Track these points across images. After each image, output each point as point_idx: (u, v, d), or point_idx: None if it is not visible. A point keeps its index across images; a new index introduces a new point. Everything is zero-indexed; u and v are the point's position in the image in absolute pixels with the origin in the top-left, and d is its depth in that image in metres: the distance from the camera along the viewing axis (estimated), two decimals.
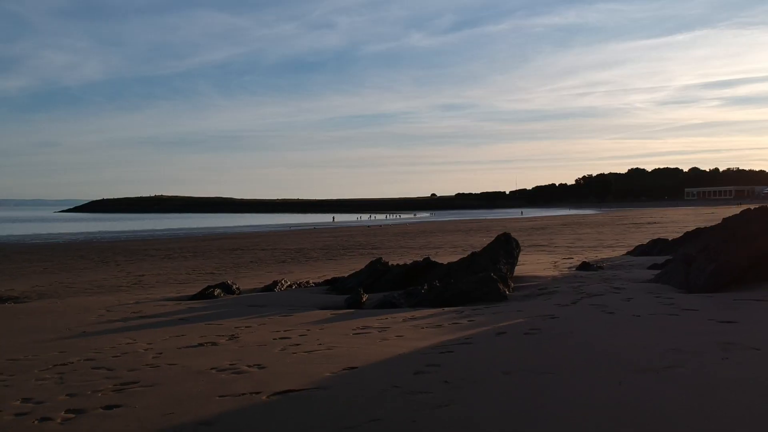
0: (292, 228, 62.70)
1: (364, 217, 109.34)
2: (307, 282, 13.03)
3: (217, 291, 11.43)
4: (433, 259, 12.50)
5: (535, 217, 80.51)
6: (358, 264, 20.40)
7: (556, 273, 12.46)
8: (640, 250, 16.74)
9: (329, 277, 13.76)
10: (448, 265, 11.67)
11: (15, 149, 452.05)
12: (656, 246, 16.37)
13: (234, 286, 11.89)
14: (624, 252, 19.91)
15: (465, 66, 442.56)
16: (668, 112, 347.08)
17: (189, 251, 30.38)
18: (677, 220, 49.68)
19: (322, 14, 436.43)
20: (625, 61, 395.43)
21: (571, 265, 15.08)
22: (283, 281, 12.53)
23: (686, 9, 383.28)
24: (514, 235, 12.18)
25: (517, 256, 11.71)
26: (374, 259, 12.35)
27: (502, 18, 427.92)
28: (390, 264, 12.15)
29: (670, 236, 30.02)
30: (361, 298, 9.41)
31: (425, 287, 9.53)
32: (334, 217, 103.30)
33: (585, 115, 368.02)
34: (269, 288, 12.22)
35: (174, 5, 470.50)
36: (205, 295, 11.32)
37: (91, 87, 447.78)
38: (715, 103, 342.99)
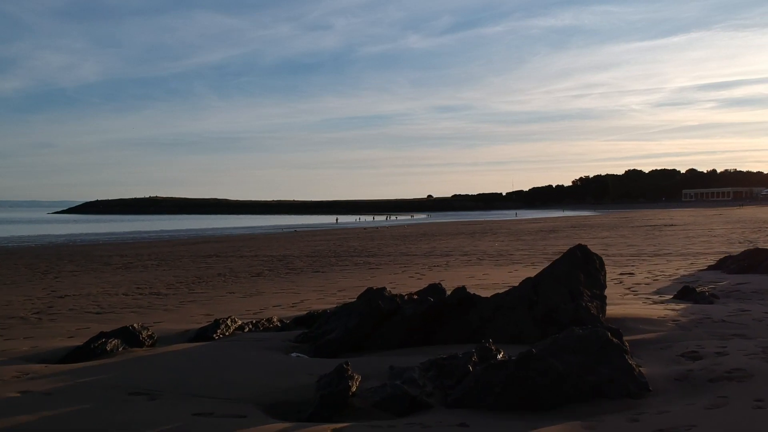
0: (283, 230, 59.52)
1: (365, 218, 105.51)
2: (270, 320, 8.44)
3: (112, 343, 6.80)
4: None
5: (536, 219, 76.94)
6: (351, 280, 15.97)
7: (663, 311, 7.81)
8: (736, 266, 12.20)
9: (305, 311, 9.23)
10: (494, 299, 7.02)
11: (11, 150, 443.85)
12: (762, 260, 11.87)
13: (144, 334, 7.20)
14: (691, 264, 15.60)
15: (461, 67, 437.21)
16: (664, 114, 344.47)
17: (157, 258, 26.57)
18: (692, 222, 46.52)
19: (319, 16, 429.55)
20: (620, 63, 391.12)
21: (655, 288, 10.62)
22: (230, 320, 7.94)
23: (681, 11, 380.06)
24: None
25: (605, 282, 7.17)
26: (373, 288, 7.48)
27: (498, 20, 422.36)
28: (397, 297, 7.33)
29: (706, 240, 26.08)
30: (349, 388, 4.53)
31: (474, 357, 4.82)
32: (337, 219, 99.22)
33: (581, 116, 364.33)
34: (206, 333, 7.65)
35: (171, 6, 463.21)
36: (91, 349, 6.74)
37: (88, 88, 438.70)
38: (711, 104, 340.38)
